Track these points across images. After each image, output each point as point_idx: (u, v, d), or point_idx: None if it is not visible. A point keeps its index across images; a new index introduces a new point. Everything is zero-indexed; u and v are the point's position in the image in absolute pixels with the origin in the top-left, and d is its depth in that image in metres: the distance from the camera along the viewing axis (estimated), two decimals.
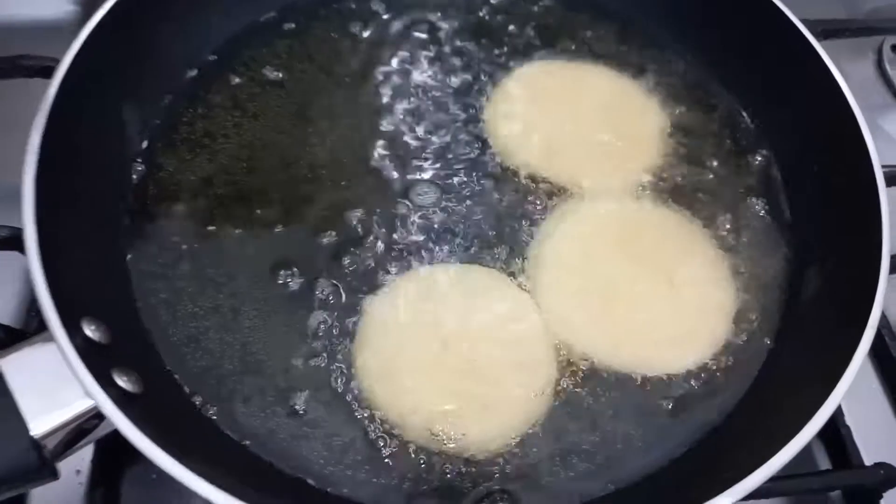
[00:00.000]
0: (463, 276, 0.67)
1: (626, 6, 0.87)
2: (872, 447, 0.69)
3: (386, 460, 0.59)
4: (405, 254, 0.68)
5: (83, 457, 0.63)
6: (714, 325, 0.66)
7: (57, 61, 0.77)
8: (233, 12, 0.81)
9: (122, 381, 0.53)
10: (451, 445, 0.59)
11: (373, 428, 0.60)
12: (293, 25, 0.83)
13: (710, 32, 0.83)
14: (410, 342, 0.62)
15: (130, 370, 0.54)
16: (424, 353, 0.62)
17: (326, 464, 0.58)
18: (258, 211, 0.70)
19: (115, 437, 0.53)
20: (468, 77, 0.81)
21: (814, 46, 0.74)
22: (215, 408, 0.60)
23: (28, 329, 0.67)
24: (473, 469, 0.58)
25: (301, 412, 0.60)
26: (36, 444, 0.48)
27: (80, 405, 0.50)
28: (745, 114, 0.81)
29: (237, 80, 0.78)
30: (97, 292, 0.59)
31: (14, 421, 0.48)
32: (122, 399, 0.50)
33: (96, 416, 0.51)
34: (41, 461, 0.48)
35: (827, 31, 0.92)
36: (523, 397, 0.61)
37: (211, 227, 0.68)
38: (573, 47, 0.84)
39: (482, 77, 0.81)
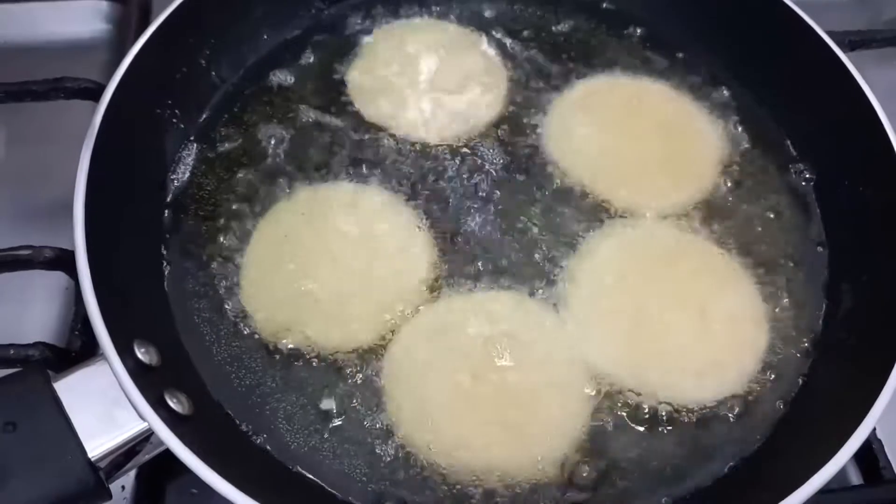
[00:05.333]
0: (484, 303, 0.67)
1: (674, 31, 0.87)
2: None
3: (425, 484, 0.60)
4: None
5: (128, 473, 0.65)
6: (744, 357, 0.66)
7: (95, 83, 0.80)
8: (261, 31, 0.82)
9: (172, 403, 0.54)
10: (493, 474, 0.60)
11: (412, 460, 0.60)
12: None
13: (742, 49, 0.83)
14: (439, 379, 0.63)
15: (179, 392, 0.56)
16: (455, 387, 0.62)
17: (368, 482, 0.59)
18: None
19: (160, 453, 0.55)
20: (528, 93, 0.82)
21: (843, 61, 0.74)
22: (257, 425, 0.61)
23: (72, 348, 0.69)
24: (517, 492, 0.59)
25: (341, 430, 0.61)
26: (93, 465, 0.50)
27: (133, 427, 0.52)
28: (783, 132, 0.81)
29: (270, 97, 0.79)
30: (143, 314, 0.61)
31: (72, 443, 0.49)
32: (172, 420, 0.52)
33: (146, 439, 0.53)
34: (97, 482, 0.50)
35: (854, 42, 0.92)
36: (558, 421, 0.62)
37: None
38: (635, 66, 0.84)
39: (543, 91, 0.82)
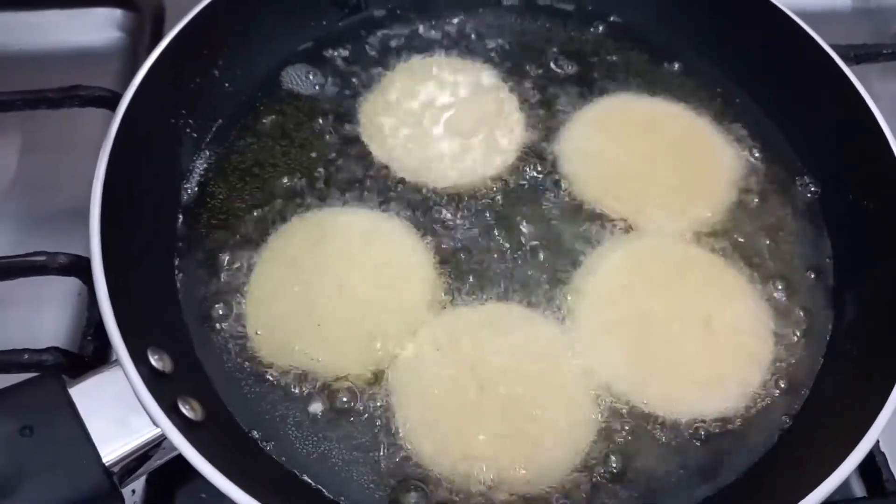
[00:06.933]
0: (491, 316, 0.68)
1: (681, 46, 0.87)
2: None
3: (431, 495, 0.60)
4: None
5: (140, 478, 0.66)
6: (749, 369, 0.67)
7: (109, 91, 0.81)
8: (274, 41, 0.83)
9: (185, 410, 0.55)
10: (500, 486, 0.60)
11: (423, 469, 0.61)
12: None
13: (747, 62, 0.84)
14: (446, 390, 0.63)
15: (192, 398, 0.56)
16: (462, 399, 0.63)
17: (375, 490, 0.60)
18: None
19: (170, 459, 0.56)
20: (543, 109, 0.82)
21: (847, 75, 0.75)
22: (266, 433, 0.62)
23: (85, 353, 0.70)
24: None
25: (349, 439, 0.62)
26: (107, 470, 0.51)
27: (147, 432, 0.52)
28: (789, 145, 0.81)
29: (283, 107, 0.80)
30: (156, 321, 0.62)
31: (87, 449, 0.50)
32: (185, 427, 0.53)
33: (158, 444, 0.54)
34: (112, 487, 0.51)
35: (858, 56, 0.93)
36: (564, 433, 0.62)
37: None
38: (651, 84, 0.85)
39: (558, 106, 0.82)
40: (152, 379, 0.53)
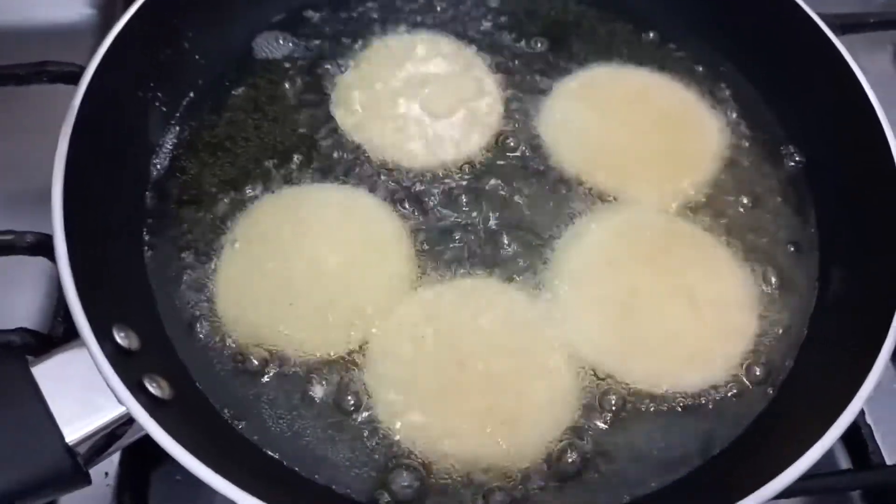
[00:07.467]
0: (470, 291, 0.66)
1: (665, 18, 0.85)
2: (893, 446, 0.70)
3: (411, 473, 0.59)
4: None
5: (111, 459, 0.64)
6: (734, 342, 0.66)
7: (79, 67, 0.79)
8: (246, 13, 0.81)
9: (151, 388, 0.53)
10: (481, 462, 0.59)
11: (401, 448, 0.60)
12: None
13: (736, 34, 0.83)
14: (425, 369, 0.62)
15: (159, 376, 0.55)
16: (441, 376, 0.62)
17: (351, 468, 0.59)
18: None
19: (143, 439, 0.55)
20: (526, 76, 0.80)
21: (835, 44, 0.73)
22: (238, 411, 0.60)
23: (54, 334, 0.68)
24: (505, 480, 0.59)
25: (324, 417, 0.61)
26: (70, 450, 0.49)
27: (112, 411, 0.51)
28: (775, 116, 0.80)
29: (255, 81, 0.78)
30: (123, 299, 0.60)
31: (49, 428, 0.49)
32: (151, 405, 0.51)
33: (127, 423, 0.53)
34: (75, 467, 0.50)
35: (845, 25, 0.91)
36: (546, 408, 0.61)
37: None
38: (628, 55, 0.83)
39: (539, 77, 0.80)
40: (117, 357, 0.52)
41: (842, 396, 0.56)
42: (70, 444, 0.49)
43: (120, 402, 0.50)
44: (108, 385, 0.50)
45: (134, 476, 0.64)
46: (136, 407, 0.50)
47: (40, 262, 0.70)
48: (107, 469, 0.65)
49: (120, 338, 0.54)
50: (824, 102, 0.75)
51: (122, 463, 0.65)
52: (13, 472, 0.48)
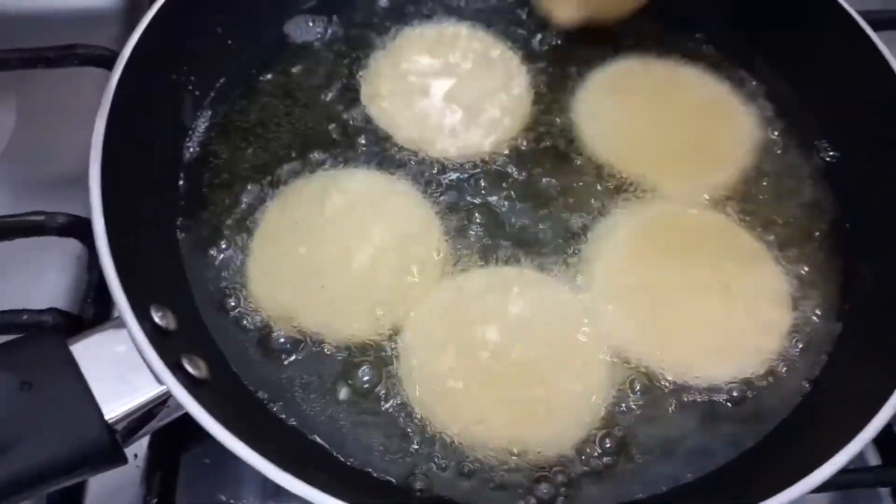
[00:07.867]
0: (501, 280, 0.66)
1: (699, 11, 0.84)
2: None
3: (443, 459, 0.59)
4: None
5: (140, 442, 0.64)
6: (768, 336, 0.65)
7: (108, 50, 0.79)
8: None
9: (189, 367, 0.53)
10: (512, 449, 0.59)
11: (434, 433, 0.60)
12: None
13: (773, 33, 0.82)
14: (458, 355, 0.62)
15: (196, 356, 0.55)
16: (473, 363, 0.62)
17: (385, 452, 0.59)
18: None
19: (173, 422, 0.55)
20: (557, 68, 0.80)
21: (872, 39, 0.73)
22: (273, 393, 0.60)
23: (85, 315, 0.68)
24: (537, 467, 0.59)
25: (358, 402, 0.60)
26: (109, 428, 0.49)
27: (150, 390, 0.51)
28: (809, 110, 0.79)
29: (287, 66, 0.78)
30: (158, 280, 0.60)
31: (89, 406, 0.49)
32: (190, 384, 0.51)
33: (162, 403, 0.52)
34: (114, 445, 0.49)
35: (883, 20, 0.90)
36: (579, 397, 0.61)
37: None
38: (661, 47, 0.82)
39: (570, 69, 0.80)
40: (155, 336, 0.52)
41: (879, 391, 0.55)
42: (109, 421, 0.49)
43: (159, 381, 0.50)
44: (147, 364, 0.50)
45: (164, 458, 0.64)
46: (175, 385, 0.50)
47: (66, 244, 0.70)
48: (136, 451, 0.65)
49: (157, 317, 0.54)
50: (859, 97, 0.74)
51: (151, 445, 0.64)
52: (53, 446, 0.47)
